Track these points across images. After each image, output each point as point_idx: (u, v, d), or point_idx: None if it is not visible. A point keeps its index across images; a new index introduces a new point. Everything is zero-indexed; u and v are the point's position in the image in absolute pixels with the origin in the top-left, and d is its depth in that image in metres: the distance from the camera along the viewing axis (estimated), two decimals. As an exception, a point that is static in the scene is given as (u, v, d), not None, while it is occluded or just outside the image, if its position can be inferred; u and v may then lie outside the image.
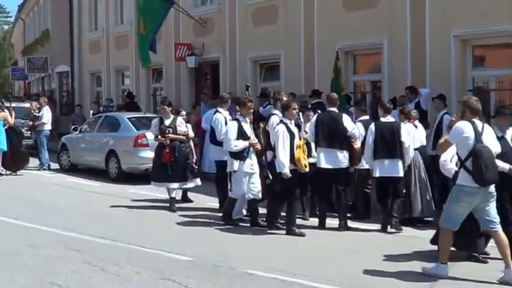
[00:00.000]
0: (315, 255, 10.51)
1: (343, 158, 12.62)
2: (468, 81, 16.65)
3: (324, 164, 12.57)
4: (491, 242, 9.76)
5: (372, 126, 12.59)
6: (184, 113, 15.73)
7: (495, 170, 9.07)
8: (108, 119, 21.67)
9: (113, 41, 32.07)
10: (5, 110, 21.33)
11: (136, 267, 9.57)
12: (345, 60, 19.00)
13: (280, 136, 11.89)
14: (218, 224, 13.09)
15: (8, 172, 20.78)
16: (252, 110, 13.13)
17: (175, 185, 14.61)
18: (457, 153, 9.36)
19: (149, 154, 17.05)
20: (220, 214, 13.47)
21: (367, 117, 13.86)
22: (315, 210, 13.37)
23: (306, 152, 12.33)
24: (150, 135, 17.02)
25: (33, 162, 22.46)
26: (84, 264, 9.83)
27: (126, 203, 15.59)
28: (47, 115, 23.03)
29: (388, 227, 12.35)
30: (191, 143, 15.17)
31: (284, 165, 11.83)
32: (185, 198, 15.52)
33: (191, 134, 15.30)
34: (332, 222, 12.63)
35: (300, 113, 13.08)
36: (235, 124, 12.74)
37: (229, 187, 13.19)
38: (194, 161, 14.99)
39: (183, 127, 14.94)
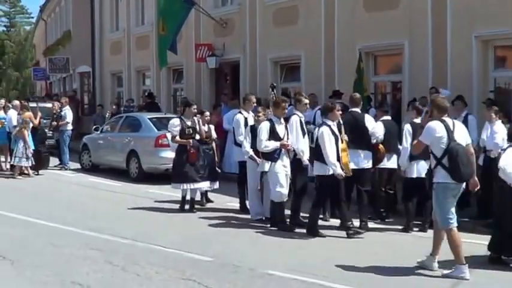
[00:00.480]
0: (335, 255, 10.48)
1: (366, 159, 12.63)
2: (489, 82, 16.59)
3: (347, 165, 12.54)
4: None
5: (409, 127, 12.44)
6: (208, 113, 15.64)
7: (470, 166, 9.35)
8: (129, 119, 21.76)
9: (134, 42, 32.19)
10: (30, 110, 21.60)
11: (156, 267, 9.61)
12: (365, 61, 18.94)
13: (326, 138, 11.71)
14: (237, 224, 13.14)
15: (31, 172, 20.90)
16: (286, 111, 12.97)
17: (196, 186, 14.50)
18: (431, 152, 9.51)
19: (170, 154, 17.09)
20: (242, 215, 13.52)
21: (388, 117, 13.82)
22: (335, 212, 13.34)
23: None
24: (170, 136, 16.98)
25: (53, 161, 22.60)
26: (105, 263, 9.88)
27: (146, 203, 15.63)
28: (69, 115, 23.19)
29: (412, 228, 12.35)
30: (213, 145, 15.18)
31: (336, 166, 11.65)
32: (206, 199, 15.53)
33: (214, 135, 15.30)
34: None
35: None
36: (267, 124, 12.62)
37: (258, 187, 13.08)
38: (217, 162, 15.02)
39: (205, 128, 14.93)
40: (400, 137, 12.92)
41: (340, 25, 20.26)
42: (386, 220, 13.30)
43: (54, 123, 22.97)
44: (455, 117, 14.32)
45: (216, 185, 15.02)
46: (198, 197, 15.07)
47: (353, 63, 18.57)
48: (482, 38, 16.42)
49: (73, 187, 18.98)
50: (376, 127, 12.88)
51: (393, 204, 13.83)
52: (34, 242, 11.38)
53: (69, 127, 23.11)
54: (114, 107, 27.84)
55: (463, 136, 9.51)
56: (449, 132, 9.32)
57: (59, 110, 23.19)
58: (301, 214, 12.81)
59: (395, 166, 13.09)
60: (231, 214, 14.21)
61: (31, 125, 21.00)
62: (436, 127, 9.36)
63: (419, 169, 12.29)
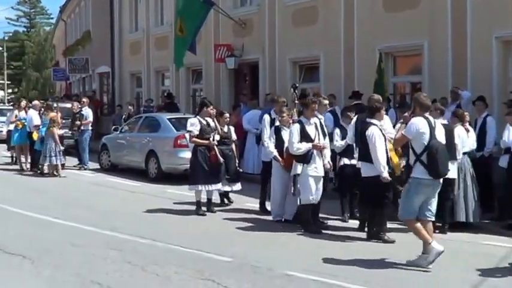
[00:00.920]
0: (354, 256, 10.45)
1: None
2: (510, 83, 16.47)
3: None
4: None
5: None
6: (227, 115, 15.58)
7: (447, 164, 9.86)
8: (148, 119, 21.83)
9: (153, 42, 32.26)
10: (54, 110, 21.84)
11: (175, 267, 9.62)
12: (384, 62, 18.86)
13: (376, 139, 11.47)
14: (256, 224, 13.15)
15: (61, 171, 21.01)
16: (316, 112, 12.84)
17: (212, 188, 14.39)
18: (411, 148, 9.80)
19: (188, 155, 16.90)
20: (261, 216, 13.53)
21: (445, 121, 13.68)
22: (355, 212, 13.30)
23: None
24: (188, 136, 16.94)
25: (70, 161, 22.74)
26: (125, 263, 9.90)
27: (165, 203, 15.67)
28: (90, 114, 23.30)
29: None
30: (233, 146, 15.17)
31: (384, 168, 11.44)
32: (227, 199, 15.51)
33: (234, 136, 15.27)
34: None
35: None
36: (298, 126, 12.45)
37: (292, 191, 12.77)
38: (237, 163, 15.02)
39: (225, 129, 14.94)
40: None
41: (360, 25, 20.20)
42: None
43: (78, 122, 23.00)
44: (476, 117, 14.44)
45: (238, 187, 15.02)
46: (215, 198, 15.06)
47: (372, 64, 18.52)
48: (502, 39, 16.31)
49: (92, 187, 19.05)
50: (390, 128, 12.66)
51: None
52: (54, 242, 11.43)
53: (90, 127, 23.22)
54: (129, 107, 27.79)
55: (442, 135, 9.97)
56: (432, 130, 9.70)
57: (78, 110, 23.29)
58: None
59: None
60: (250, 215, 14.22)
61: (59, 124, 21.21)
62: (420, 123, 9.71)
63: None
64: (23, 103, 23.59)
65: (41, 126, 21.64)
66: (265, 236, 12.27)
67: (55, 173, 20.76)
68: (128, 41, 35.14)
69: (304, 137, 12.35)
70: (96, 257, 10.29)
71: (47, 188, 18.55)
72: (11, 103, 53.55)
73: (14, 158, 24.18)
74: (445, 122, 12.50)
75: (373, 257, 10.50)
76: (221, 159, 14.39)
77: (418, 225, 9.84)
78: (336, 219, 13.38)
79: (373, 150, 11.43)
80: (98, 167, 22.81)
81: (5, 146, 25.78)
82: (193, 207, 14.45)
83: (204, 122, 14.44)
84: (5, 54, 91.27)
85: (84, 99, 24.72)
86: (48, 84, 77.40)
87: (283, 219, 13.32)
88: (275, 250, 11.07)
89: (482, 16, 16.61)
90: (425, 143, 9.62)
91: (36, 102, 24.31)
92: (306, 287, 8.86)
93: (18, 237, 11.81)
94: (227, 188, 15.03)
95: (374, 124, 11.66)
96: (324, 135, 12.68)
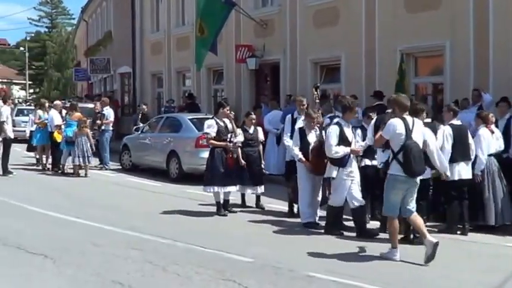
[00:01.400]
0: (373, 257, 10.44)
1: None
2: (533, 84, 16.37)
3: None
4: None
5: (450, 130, 12.22)
6: (253, 116, 15.47)
7: (422, 164, 10.18)
8: (170, 119, 21.88)
9: (174, 42, 32.35)
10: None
11: (196, 267, 9.62)
12: (406, 63, 18.79)
13: (440, 140, 11.68)
14: (277, 225, 13.13)
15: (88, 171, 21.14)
16: (357, 115, 12.80)
17: (227, 189, 14.28)
18: (390, 147, 10.28)
19: (210, 155, 17.09)
20: (283, 218, 13.51)
21: (429, 120, 13.66)
22: (376, 214, 13.24)
23: None
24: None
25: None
26: (146, 263, 9.92)
27: (186, 203, 15.69)
28: (112, 114, 23.40)
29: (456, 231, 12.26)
30: (260, 147, 15.10)
31: (446, 169, 11.50)
32: (257, 204, 15.17)
33: (261, 137, 15.17)
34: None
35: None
36: (336, 129, 12.06)
37: (326, 193, 12.73)
38: (263, 165, 14.99)
39: (251, 130, 14.90)
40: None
41: (381, 26, 20.15)
42: (428, 224, 13.15)
43: (99, 121, 23.10)
44: (498, 118, 14.35)
45: (262, 189, 14.90)
46: (234, 199, 15.05)
47: (394, 65, 18.46)
48: (525, 39, 16.24)
49: (113, 187, 19.13)
50: None
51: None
52: (75, 241, 11.46)
53: (111, 127, 23.31)
54: (143, 106, 27.69)
55: (420, 135, 10.26)
56: (408, 131, 10.09)
57: (100, 110, 23.38)
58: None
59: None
60: (271, 215, 14.21)
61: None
62: (397, 124, 10.14)
63: (460, 171, 12.17)
64: (47, 104, 23.67)
65: (63, 127, 21.73)
66: (286, 236, 12.27)
67: (80, 173, 20.85)
68: (149, 42, 35.26)
69: (342, 140, 12.01)
70: (116, 257, 10.31)
71: (68, 188, 18.62)
72: (28, 103, 53.97)
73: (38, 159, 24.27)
74: (458, 122, 12.45)
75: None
76: (242, 162, 14.36)
77: (395, 226, 10.37)
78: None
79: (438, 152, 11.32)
80: (119, 167, 22.90)
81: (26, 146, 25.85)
82: (214, 208, 14.44)
83: (222, 123, 14.34)
84: (27, 54, 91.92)
85: (104, 99, 24.84)
86: (69, 85, 77.78)
87: (316, 220, 13.07)
88: (296, 251, 11.04)
89: (504, 16, 16.52)
90: (401, 143, 10.05)
91: (57, 102, 24.42)
92: (327, 288, 8.86)
93: (40, 236, 11.86)
94: (249, 191, 14.94)
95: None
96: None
